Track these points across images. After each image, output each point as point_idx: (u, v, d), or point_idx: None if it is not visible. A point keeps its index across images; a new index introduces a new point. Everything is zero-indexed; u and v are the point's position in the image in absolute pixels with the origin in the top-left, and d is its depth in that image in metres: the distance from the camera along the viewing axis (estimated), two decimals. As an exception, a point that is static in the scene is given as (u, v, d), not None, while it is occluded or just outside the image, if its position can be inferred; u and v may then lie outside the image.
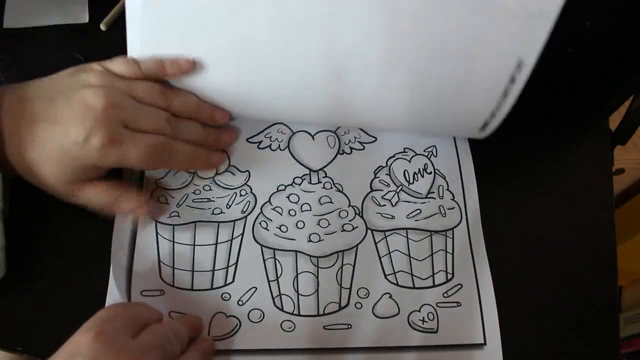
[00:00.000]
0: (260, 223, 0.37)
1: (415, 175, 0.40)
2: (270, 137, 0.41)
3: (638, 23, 0.40)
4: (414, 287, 0.36)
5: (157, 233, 0.37)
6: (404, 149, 0.41)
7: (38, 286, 0.35)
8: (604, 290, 0.38)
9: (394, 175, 0.40)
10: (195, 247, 0.36)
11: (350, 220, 0.38)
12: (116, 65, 0.34)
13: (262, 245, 0.37)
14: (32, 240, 0.36)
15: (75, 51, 0.42)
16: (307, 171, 0.39)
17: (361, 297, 0.36)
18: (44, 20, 0.45)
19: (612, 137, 0.44)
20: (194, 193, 0.38)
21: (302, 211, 0.38)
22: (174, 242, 0.36)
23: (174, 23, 0.34)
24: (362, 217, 0.38)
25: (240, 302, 0.35)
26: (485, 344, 0.35)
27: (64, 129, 0.31)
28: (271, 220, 0.37)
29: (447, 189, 0.40)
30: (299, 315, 0.35)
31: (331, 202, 0.38)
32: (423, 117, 0.38)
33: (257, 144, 0.40)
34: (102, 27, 0.45)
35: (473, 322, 0.36)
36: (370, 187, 0.39)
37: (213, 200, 0.38)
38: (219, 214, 0.37)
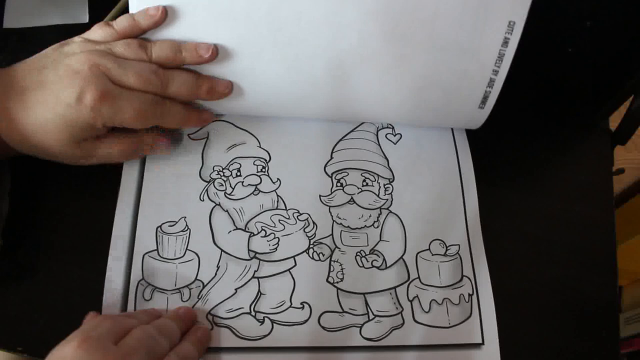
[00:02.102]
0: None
1: None
2: None
3: (638, 23, 0.40)
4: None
5: None
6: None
7: (38, 286, 0.35)
8: (604, 290, 0.38)
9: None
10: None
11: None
12: (93, 32, 0.35)
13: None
14: (32, 241, 0.36)
15: (75, 51, 0.42)
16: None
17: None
18: (44, 20, 0.45)
19: (612, 137, 0.44)
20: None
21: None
22: None
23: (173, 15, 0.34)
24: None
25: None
26: (483, 343, 0.35)
27: (54, 93, 0.32)
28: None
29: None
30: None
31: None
32: (424, 95, 0.38)
33: None
34: (102, 27, 0.45)
35: (471, 321, 0.36)
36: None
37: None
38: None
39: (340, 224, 0.38)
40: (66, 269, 0.35)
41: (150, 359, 0.28)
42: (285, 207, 0.38)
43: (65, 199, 0.37)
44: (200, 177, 0.38)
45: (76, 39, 0.35)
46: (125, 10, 0.45)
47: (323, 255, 0.37)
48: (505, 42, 0.34)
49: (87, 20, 0.46)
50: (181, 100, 0.36)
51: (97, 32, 0.35)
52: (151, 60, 0.35)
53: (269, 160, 0.40)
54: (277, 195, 0.38)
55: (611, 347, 0.37)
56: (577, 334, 0.37)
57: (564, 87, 0.46)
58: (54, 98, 0.32)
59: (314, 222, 0.38)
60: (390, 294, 0.36)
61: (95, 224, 0.36)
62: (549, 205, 0.41)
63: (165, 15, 0.34)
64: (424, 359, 0.34)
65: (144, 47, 0.35)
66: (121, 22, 0.35)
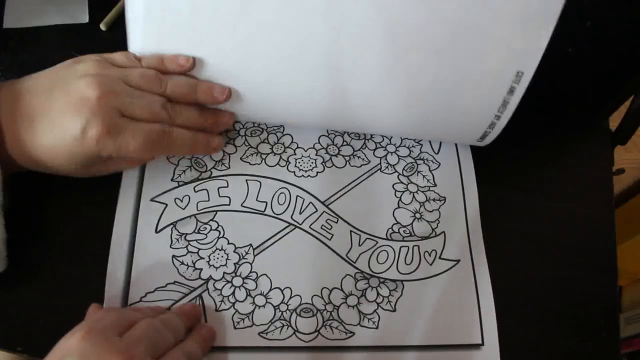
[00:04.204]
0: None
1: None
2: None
3: (638, 23, 0.40)
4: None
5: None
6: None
7: (38, 286, 0.35)
8: (604, 290, 0.38)
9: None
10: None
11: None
12: (116, 56, 0.35)
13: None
14: (32, 241, 0.36)
15: (75, 51, 0.42)
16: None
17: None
18: (44, 20, 0.45)
19: (612, 137, 0.44)
20: None
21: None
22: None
23: (176, 22, 0.34)
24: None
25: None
26: (482, 344, 0.35)
27: (60, 122, 0.31)
28: None
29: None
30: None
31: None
32: (422, 128, 0.38)
33: None
34: (102, 27, 0.45)
35: (471, 322, 0.36)
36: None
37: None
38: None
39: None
40: (66, 269, 0.35)
41: (154, 351, 0.28)
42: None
43: (65, 199, 0.37)
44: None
45: (92, 56, 0.34)
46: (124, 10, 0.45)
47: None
48: (511, 91, 0.34)
49: (87, 20, 0.46)
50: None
51: (121, 57, 0.35)
52: (164, 94, 0.35)
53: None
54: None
55: (611, 347, 0.37)
56: (577, 334, 0.37)
57: (564, 88, 0.46)
58: (60, 127, 0.31)
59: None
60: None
61: (96, 224, 0.36)
62: (549, 205, 0.41)
63: (193, 65, 0.35)
64: (424, 359, 0.34)
65: (159, 81, 0.35)
66: (150, 62, 0.35)
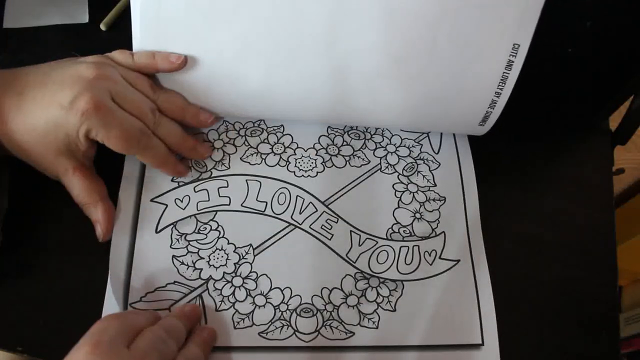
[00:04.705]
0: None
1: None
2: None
3: (638, 23, 0.40)
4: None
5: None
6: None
7: (38, 286, 0.35)
8: (604, 290, 0.38)
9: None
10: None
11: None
12: (112, 53, 0.37)
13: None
14: (32, 240, 0.36)
15: (75, 51, 0.42)
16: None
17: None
18: (44, 20, 0.45)
19: (612, 137, 0.44)
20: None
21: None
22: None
23: (172, 20, 0.34)
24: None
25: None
26: (482, 344, 0.35)
27: (52, 93, 0.32)
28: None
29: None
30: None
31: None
32: (424, 110, 0.38)
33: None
34: (102, 27, 0.45)
35: (471, 322, 0.36)
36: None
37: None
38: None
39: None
40: (66, 269, 0.35)
41: None
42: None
43: (65, 199, 0.37)
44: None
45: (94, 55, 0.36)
46: (125, 10, 0.45)
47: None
48: (509, 65, 0.34)
49: (87, 20, 0.46)
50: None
51: (117, 55, 0.36)
52: (156, 103, 0.36)
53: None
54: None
55: (611, 347, 0.37)
56: (577, 334, 0.37)
57: (565, 88, 0.46)
58: (50, 98, 0.32)
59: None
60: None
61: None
62: (549, 205, 0.41)
63: (184, 64, 0.36)
64: (424, 359, 0.34)
65: (153, 89, 0.36)
66: (140, 55, 0.36)
